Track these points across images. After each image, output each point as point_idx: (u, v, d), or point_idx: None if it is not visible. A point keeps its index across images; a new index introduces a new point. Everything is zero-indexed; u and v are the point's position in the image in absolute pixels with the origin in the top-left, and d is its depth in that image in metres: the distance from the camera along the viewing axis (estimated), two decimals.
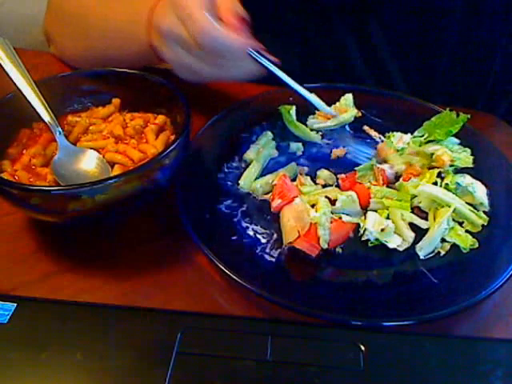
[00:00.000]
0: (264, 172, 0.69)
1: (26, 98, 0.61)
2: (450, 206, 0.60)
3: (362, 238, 0.60)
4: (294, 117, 0.76)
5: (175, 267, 0.58)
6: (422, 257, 0.58)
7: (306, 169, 0.70)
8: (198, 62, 0.63)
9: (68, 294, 0.54)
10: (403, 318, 0.51)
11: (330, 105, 0.77)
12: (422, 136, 0.71)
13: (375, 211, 0.62)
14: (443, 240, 0.60)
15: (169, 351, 0.48)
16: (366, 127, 0.77)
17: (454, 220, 0.61)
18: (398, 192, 0.65)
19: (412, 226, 0.61)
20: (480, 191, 0.63)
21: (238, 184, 0.66)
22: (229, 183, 0.67)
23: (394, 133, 0.73)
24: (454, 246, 0.59)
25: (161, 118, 0.66)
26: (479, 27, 0.81)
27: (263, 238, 0.60)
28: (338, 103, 0.78)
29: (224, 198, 0.65)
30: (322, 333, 0.51)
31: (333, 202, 0.62)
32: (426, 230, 0.60)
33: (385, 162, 0.69)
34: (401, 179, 0.66)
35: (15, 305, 0.51)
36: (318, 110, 0.73)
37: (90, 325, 0.51)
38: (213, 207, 0.63)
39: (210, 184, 0.66)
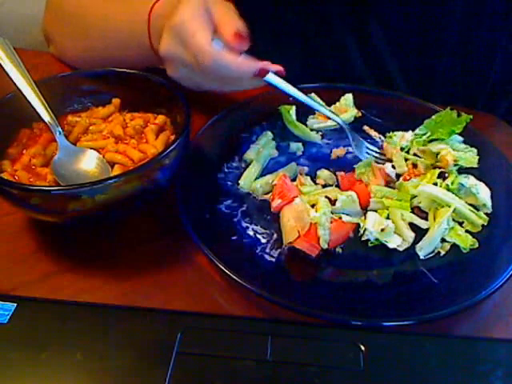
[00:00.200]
0: (264, 172, 0.69)
1: (26, 98, 0.61)
2: (449, 206, 0.60)
3: (362, 238, 0.60)
4: (294, 117, 0.76)
5: (175, 267, 0.58)
6: (422, 257, 0.58)
7: (305, 169, 0.70)
8: (201, 79, 0.64)
9: (68, 294, 0.54)
10: (403, 318, 0.51)
11: (329, 105, 0.77)
12: (425, 134, 0.71)
13: (375, 211, 0.62)
14: (443, 240, 0.60)
15: (169, 351, 0.48)
16: (366, 127, 0.76)
17: (454, 220, 0.61)
18: (398, 192, 0.65)
19: (412, 225, 0.61)
20: (483, 192, 0.63)
21: (238, 184, 0.66)
22: (229, 183, 0.67)
23: (395, 132, 0.73)
24: (454, 246, 0.59)
25: (161, 118, 0.66)
26: (479, 27, 0.80)
27: (263, 238, 0.60)
28: (337, 103, 0.78)
29: (224, 198, 0.65)
30: (321, 333, 0.51)
31: (333, 202, 0.62)
32: (426, 230, 0.60)
33: (389, 161, 0.69)
34: (401, 179, 0.66)
35: (15, 305, 0.51)
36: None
37: (90, 325, 0.51)
38: (213, 207, 0.63)
39: (209, 184, 0.66)
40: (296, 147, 0.73)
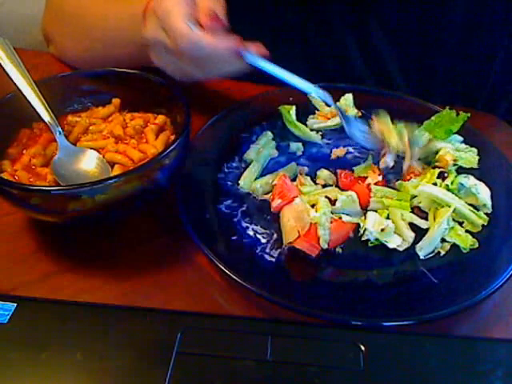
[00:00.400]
0: (264, 172, 0.69)
1: (26, 98, 0.61)
2: (449, 206, 0.60)
3: (362, 238, 0.60)
4: (294, 117, 0.76)
5: (175, 267, 0.58)
6: (422, 257, 0.59)
7: (305, 169, 0.70)
8: (186, 65, 0.63)
9: (68, 294, 0.54)
10: (403, 318, 0.51)
11: (329, 105, 0.77)
12: (423, 136, 0.71)
13: (375, 211, 0.62)
14: (443, 240, 0.60)
15: (169, 351, 0.48)
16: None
17: (454, 220, 0.61)
18: (398, 192, 0.65)
19: (412, 225, 0.61)
20: (484, 193, 0.63)
21: (238, 184, 0.66)
22: (229, 183, 0.67)
23: None
24: (454, 246, 0.59)
25: (161, 118, 0.66)
26: (479, 27, 0.81)
27: (263, 238, 0.60)
28: (337, 103, 0.78)
29: (224, 198, 0.65)
30: (322, 333, 0.51)
31: (333, 202, 0.62)
32: (426, 230, 0.60)
33: (381, 134, 0.68)
34: (404, 173, 0.66)
35: (15, 305, 0.51)
36: (318, 109, 0.72)
37: (90, 325, 0.51)
38: (213, 207, 0.63)
39: (210, 184, 0.66)
40: (296, 147, 0.73)
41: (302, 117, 0.77)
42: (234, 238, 0.60)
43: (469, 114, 0.70)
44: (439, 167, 0.66)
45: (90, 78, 0.70)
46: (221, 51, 0.60)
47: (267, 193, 0.66)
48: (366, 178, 0.66)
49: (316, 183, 0.67)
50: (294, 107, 0.76)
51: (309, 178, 0.68)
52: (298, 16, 0.85)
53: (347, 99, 0.78)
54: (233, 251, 0.58)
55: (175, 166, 0.59)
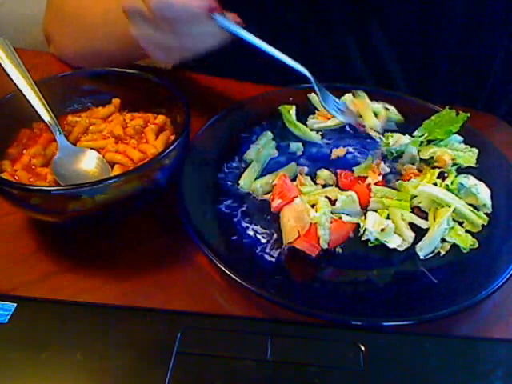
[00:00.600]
0: (264, 172, 0.69)
1: (26, 98, 0.61)
2: (449, 206, 0.60)
3: (362, 238, 0.60)
4: (294, 117, 0.76)
5: (175, 267, 0.59)
6: (422, 257, 0.58)
7: (305, 169, 0.70)
8: (163, 35, 0.62)
9: (68, 294, 0.54)
10: (403, 318, 0.51)
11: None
12: (422, 136, 0.71)
13: (375, 211, 0.62)
14: (443, 240, 0.60)
15: (169, 351, 0.48)
16: (366, 127, 0.76)
17: (454, 220, 0.61)
18: (398, 192, 0.65)
19: (412, 225, 0.61)
20: (484, 192, 0.63)
21: (238, 184, 0.66)
22: (229, 183, 0.67)
23: (393, 133, 0.72)
24: (454, 246, 0.59)
25: (161, 118, 0.66)
26: (479, 27, 0.81)
27: (263, 238, 0.60)
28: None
29: (224, 198, 0.65)
30: (322, 333, 0.51)
31: (333, 202, 0.62)
32: (426, 230, 0.60)
33: (360, 116, 0.69)
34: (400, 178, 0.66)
35: (15, 305, 0.51)
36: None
37: (90, 325, 0.51)
38: (213, 207, 0.63)
39: (210, 184, 0.66)
40: (296, 147, 0.73)
41: (302, 117, 0.77)
42: (234, 237, 0.60)
43: (469, 114, 0.70)
44: (438, 167, 0.66)
45: (90, 77, 0.70)
46: (192, 9, 0.59)
47: (267, 193, 0.65)
48: (366, 177, 0.66)
49: (316, 183, 0.67)
50: (294, 107, 0.76)
51: (309, 177, 0.67)
52: (298, 16, 0.85)
53: (347, 99, 0.78)
54: (233, 251, 0.58)
55: (175, 166, 0.59)
